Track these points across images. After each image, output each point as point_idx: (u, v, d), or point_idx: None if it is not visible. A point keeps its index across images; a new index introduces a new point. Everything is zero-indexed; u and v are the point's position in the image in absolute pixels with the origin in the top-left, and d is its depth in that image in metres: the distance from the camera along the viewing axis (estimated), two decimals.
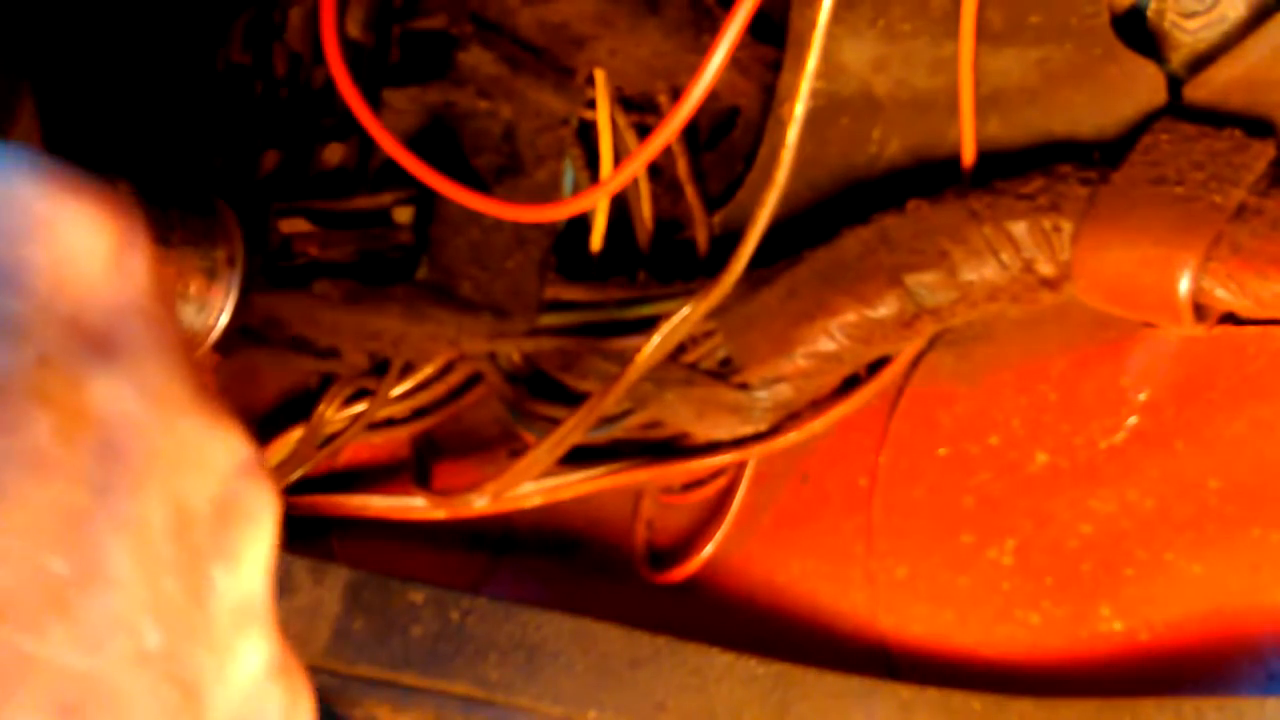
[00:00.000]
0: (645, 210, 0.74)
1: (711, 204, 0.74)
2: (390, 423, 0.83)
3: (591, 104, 0.71)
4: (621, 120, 0.72)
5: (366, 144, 0.67)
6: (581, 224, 0.74)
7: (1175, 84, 0.62)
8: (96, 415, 0.30)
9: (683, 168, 0.74)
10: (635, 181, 0.74)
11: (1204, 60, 0.62)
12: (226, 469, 0.33)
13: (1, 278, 0.31)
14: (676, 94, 0.66)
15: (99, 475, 0.30)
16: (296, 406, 0.87)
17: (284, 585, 0.76)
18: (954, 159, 0.66)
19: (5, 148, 0.32)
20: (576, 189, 0.72)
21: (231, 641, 0.32)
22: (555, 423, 0.72)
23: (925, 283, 0.63)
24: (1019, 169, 0.62)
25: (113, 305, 0.32)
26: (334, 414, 0.83)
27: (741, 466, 0.74)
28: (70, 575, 0.29)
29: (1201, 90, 0.61)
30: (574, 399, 0.71)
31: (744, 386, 0.68)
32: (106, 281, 0.32)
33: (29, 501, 0.29)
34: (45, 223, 0.31)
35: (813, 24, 0.60)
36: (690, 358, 0.69)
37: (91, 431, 0.30)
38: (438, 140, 0.66)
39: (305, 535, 0.86)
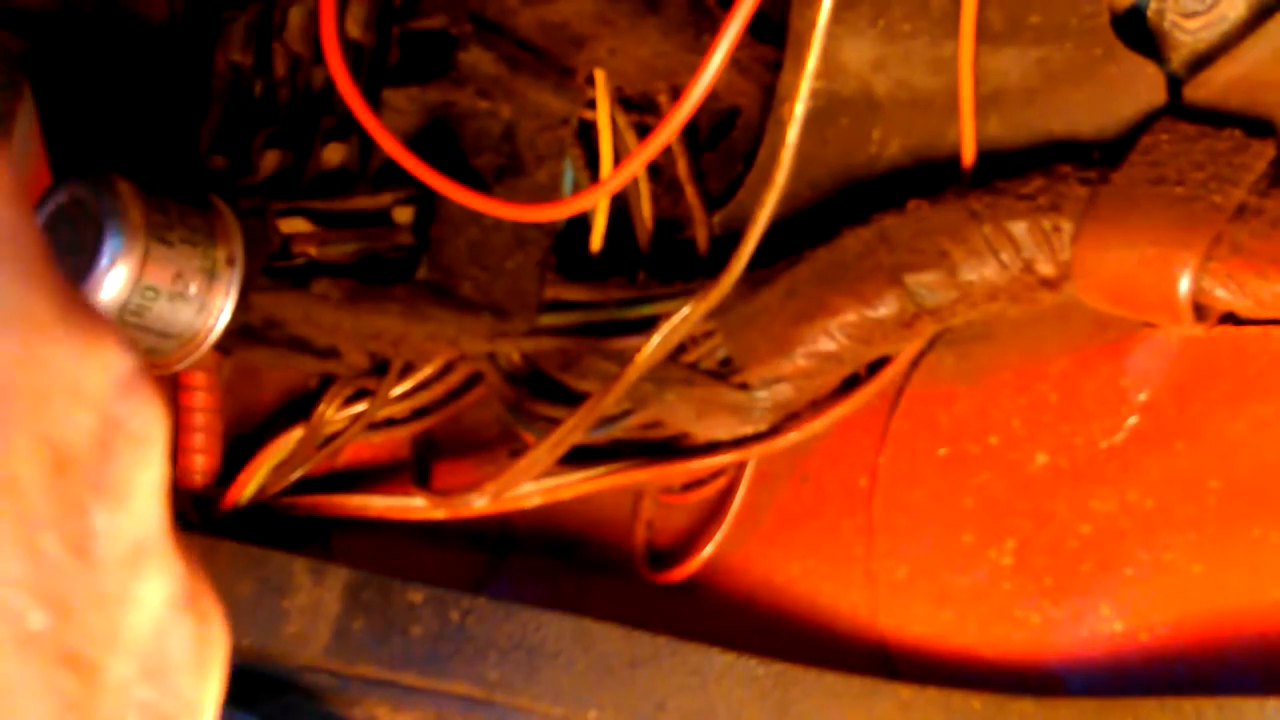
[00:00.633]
0: (645, 210, 0.74)
1: (711, 204, 0.74)
2: (390, 423, 0.83)
3: (591, 104, 0.71)
4: (621, 120, 0.72)
5: (366, 144, 0.67)
6: (581, 224, 0.74)
7: (1175, 84, 0.62)
8: None
9: (683, 168, 0.74)
10: (635, 181, 0.74)
11: (1204, 60, 0.62)
12: (104, 391, 0.28)
13: None
14: (676, 94, 0.66)
15: None
16: (296, 406, 0.86)
17: (284, 585, 0.76)
18: (954, 159, 0.66)
19: None
20: (576, 189, 0.72)
21: (126, 587, 0.28)
22: (555, 423, 0.72)
23: (925, 283, 0.63)
24: (1019, 169, 0.62)
25: None
26: (334, 414, 0.83)
27: (741, 466, 0.74)
28: None
29: (1201, 90, 0.61)
30: (574, 399, 0.71)
31: (744, 386, 0.68)
32: None
33: None
34: None
35: (813, 24, 0.60)
36: (690, 358, 0.69)
37: None
38: (438, 140, 0.66)
39: (305, 535, 0.86)
